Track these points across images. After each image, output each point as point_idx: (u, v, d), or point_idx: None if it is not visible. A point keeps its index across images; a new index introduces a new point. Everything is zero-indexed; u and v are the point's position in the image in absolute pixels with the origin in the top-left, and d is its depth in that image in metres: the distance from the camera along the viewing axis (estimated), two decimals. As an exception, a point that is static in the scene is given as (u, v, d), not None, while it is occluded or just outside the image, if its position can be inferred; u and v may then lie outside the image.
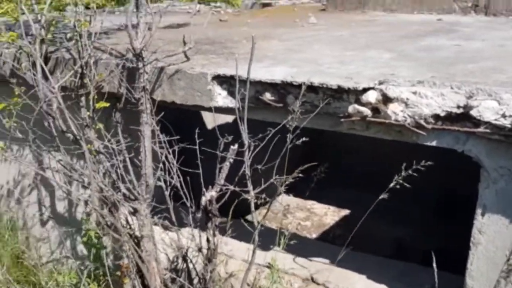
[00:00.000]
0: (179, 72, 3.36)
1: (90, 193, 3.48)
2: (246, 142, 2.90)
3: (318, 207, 7.63)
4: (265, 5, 8.56)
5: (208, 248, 3.27)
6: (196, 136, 3.08)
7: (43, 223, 4.97)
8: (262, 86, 3.12)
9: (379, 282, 3.55)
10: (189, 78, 3.34)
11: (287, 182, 2.99)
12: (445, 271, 3.78)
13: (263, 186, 2.95)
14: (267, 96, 3.12)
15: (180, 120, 3.90)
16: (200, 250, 3.49)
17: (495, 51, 3.46)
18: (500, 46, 3.61)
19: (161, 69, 3.42)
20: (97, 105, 3.44)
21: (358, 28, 4.77)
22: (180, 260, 4.03)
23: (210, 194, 2.98)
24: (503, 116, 2.48)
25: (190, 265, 3.65)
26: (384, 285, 3.51)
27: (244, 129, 2.88)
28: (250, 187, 2.95)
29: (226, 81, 3.26)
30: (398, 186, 2.96)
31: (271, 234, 3.93)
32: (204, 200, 3.01)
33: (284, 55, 3.63)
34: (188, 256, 3.65)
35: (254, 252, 3.21)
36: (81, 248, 4.66)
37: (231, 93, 3.26)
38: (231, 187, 2.99)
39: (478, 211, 2.76)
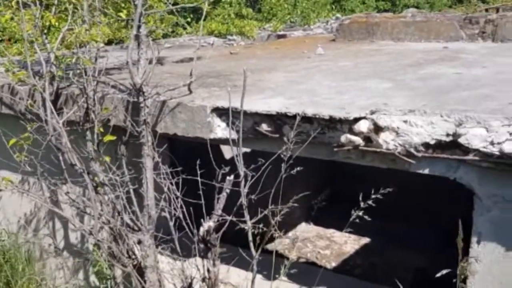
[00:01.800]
0: (180, 105, 3.47)
1: (94, 224, 3.58)
2: (241, 172, 2.95)
3: (338, 235, 7.59)
4: (280, 36, 8.72)
5: (209, 278, 3.31)
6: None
7: (58, 254, 5.08)
8: (260, 117, 3.19)
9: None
10: (189, 111, 3.43)
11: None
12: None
13: (259, 216, 2.99)
14: (264, 127, 3.19)
15: (198, 149, 3.97)
16: (204, 280, 3.52)
17: (493, 78, 3.47)
18: (498, 73, 3.62)
19: (163, 102, 3.53)
20: (104, 138, 3.55)
21: (364, 58, 4.83)
22: (187, 290, 4.07)
23: (207, 224, 3.03)
24: (491, 143, 2.48)
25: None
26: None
27: (240, 160, 2.94)
28: (247, 217, 2.99)
29: (225, 113, 3.34)
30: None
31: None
32: (202, 230, 3.06)
33: (284, 86, 3.71)
34: (193, 286, 3.68)
35: (253, 282, 3.23)
36: (93, 279, 4.75)
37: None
38: (228, 217, 3.03)
39: (474, 239, 2.74)
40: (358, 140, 2.86)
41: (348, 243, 7.41)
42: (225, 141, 3.40)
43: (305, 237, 7.43)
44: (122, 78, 4.23)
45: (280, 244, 6.71)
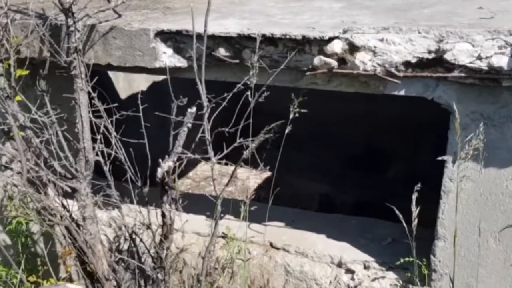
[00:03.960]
0: (114, 29, 2.96)
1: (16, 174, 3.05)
2: (205, 103, 2.61)
3: (241, 171, 7.47)
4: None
5: (164, 224, 2.98)
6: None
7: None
8: (215, 41, 2.82)
9: (340, 239, 3.47)
10: (127, 36, 2.95)
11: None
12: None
13: (226, 151, 2.69)
14: (221, 52, 2.83)
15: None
16: (149, 227, 3.18)
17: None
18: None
19: (92, 27, 3.00)
20: (16, 73, 2.96)
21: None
22: (122, 240, 3.70)
23: (167, 164, 2.67)
24: (479, 58, 2.40)
25: (139, 244, 3.33)
26: (345, 243, 3.44)
27: (202, 89, 2.59)
28: (211, 153, 2.69)
29: (171, 38, 2.92)
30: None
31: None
32: (160, 171, 2.70)
33: (228, 8, 3.34)
34: (137, 234, 3.32)
35: (216, 223, 2.98)
36: (3, 237, 4.15)
37: (178, 51, 2.93)
38: (190, 155, 2.70)
39: (449, 159, 2.71)
40: (333, 62, 2.64)
41: (250, 178, 7.35)
42: (172, 70, 2.99)
43: (207, 176, 7.22)
44: (21, 3, 3.54)
45: (182, 185, 6.42)
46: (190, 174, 7.09)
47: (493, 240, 2.76)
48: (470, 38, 2.46)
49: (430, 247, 2.92)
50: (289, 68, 2.78)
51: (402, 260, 2.99)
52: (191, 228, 3.62)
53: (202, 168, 7.33)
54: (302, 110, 2.70)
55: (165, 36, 2.91)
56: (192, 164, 7.10)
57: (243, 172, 7.49)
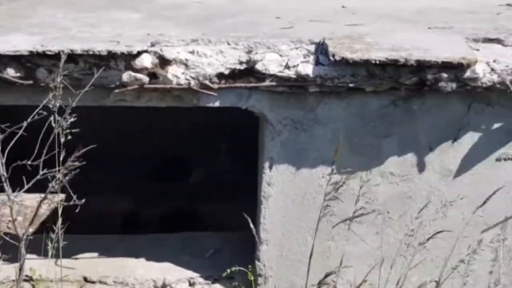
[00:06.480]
0: None
1: None
2: (-2, 133, 2.21)
3: (29, 198, 6.70)
4: None
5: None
6: None
7: None
8: (1, 60, 2.42)
9: (161, 260, 3.31)
10: None
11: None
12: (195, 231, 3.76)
13: (27, 186, 2.33)
14: (11, 73, 2.44)
15: None
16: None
17: (238, 7, 3.46)
18: (237, 1, 3.64)
19: None
20: None
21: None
22: None
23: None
24: (287, 67, 2.49)
25: None
26: (167, 263, 3.29)
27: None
28: (8, 190, 2.30)
29: None
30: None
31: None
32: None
33: (9, 21, 2.91)
34: None
35: (21, 268, 2.57)
36: None
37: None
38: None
39: (266, 164, 2.77)
40: (144, 77, 2.48)
41: (42, 204, 6.67)
42: None
43: (-4, 212, 6.34)
44: None
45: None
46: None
47: (311, 237, 2.90)
48: (277, 48, 2.56)
49: (254, 252, 2.95)
50: (94, 86, 2.53)
51: (228, 271, 2.97)
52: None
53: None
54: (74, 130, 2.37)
55: None
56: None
57: (32, 198, 6.74)
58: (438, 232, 2.43)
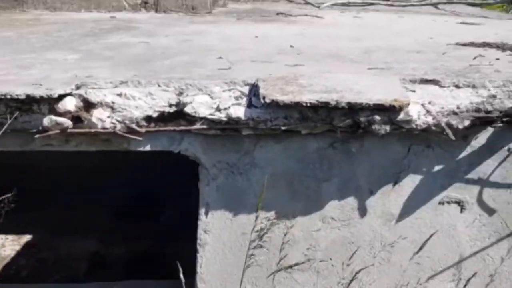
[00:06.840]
0: None
1: None
2: None
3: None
4: None
5: None
6: None
7: None
8: None
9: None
10: None
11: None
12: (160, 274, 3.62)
13: None
14: None
15: None
16: None
17: (183, 47, 3.42)
18: (185, 41, 3.60)
19: None
20: None
21: (26, 28, 4.13)
22: None
23: None
24: (218, 109, 2.40)
25: None
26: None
27: None
28: None
29: None
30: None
31: None
32: None
33: None
34: None
35: None
36: None
37: None
38: None
39: (202, 210, 2.65)
40: (66, 121, 2.37)
41: (6, 245, 6.47)
42: None
43: None
44: None
45: None
46: None
47: (250, 287, 2.77)
48: (209, 90, 2.47)
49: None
50: (16, 131, 2.42)
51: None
52: None
53: None
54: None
55: None
56: None
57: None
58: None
